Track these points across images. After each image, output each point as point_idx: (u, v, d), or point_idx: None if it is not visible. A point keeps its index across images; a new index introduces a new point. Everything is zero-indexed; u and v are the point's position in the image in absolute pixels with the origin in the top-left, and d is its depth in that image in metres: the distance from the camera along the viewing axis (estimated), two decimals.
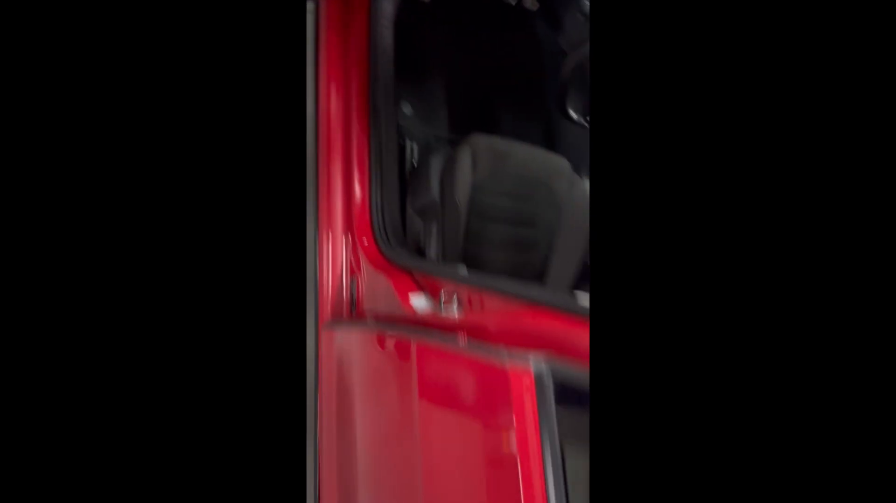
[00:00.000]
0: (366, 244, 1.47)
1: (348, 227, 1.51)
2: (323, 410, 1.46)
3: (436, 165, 1.57)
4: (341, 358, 1.39)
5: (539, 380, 0.86)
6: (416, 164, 1.65)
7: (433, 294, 1.25)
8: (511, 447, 0.86)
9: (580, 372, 0.85)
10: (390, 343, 1.17)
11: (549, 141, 1.92)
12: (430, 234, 1.53)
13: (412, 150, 1.65)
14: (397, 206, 1.51)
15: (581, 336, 0.92)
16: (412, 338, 1.10)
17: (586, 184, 1.89)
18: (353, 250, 1.50)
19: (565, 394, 0.88)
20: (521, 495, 0.83)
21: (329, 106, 1.53)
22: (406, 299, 1.26)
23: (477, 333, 1.06)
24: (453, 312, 1.14)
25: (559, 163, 1.71)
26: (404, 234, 1.52)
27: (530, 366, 0.87)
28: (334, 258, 1.50)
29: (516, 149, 1.65)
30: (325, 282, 1.50)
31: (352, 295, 1.47)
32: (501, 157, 1.59)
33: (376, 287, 1.42)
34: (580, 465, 0.86)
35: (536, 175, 1.67)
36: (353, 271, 1.50)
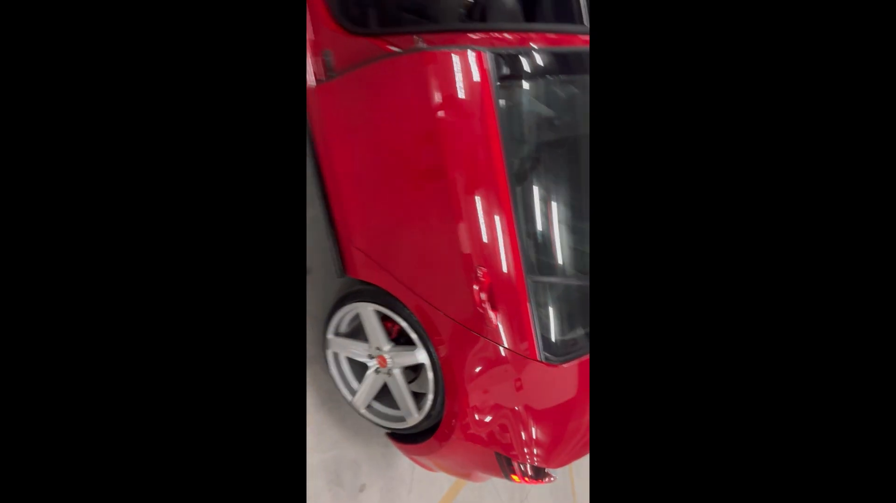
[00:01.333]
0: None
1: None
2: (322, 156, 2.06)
3: None
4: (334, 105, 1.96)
5: (490, 58, 1.59)
6: None
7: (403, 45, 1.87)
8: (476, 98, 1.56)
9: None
10: (391, 64, 1.77)
11: None
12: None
13: None
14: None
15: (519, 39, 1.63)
16: (410, 53, 1.73)
17: None
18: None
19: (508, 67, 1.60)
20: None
21: None
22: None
23: None
24: (423, 46, 1.77)
25: None
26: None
27: (486, 53, 1.59)
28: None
29: None
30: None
31: (326, 62, 2.01)
32: None
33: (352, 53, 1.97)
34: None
35: None
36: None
